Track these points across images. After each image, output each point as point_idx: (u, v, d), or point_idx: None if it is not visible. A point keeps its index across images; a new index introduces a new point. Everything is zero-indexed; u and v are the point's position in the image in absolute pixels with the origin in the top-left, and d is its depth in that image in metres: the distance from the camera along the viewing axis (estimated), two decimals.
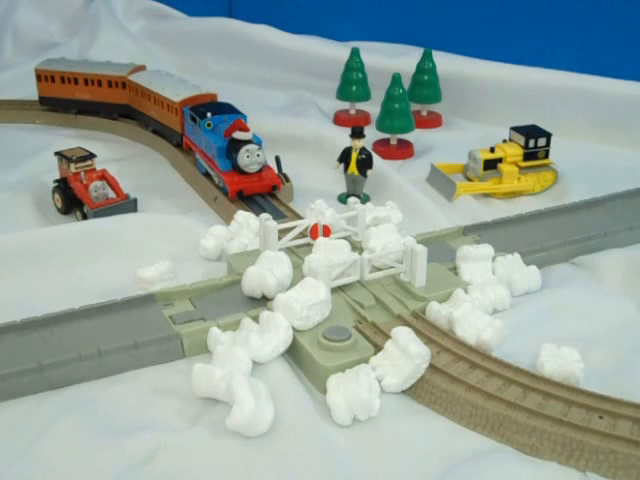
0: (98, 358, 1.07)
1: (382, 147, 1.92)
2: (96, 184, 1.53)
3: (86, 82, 2.03)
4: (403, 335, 1.05)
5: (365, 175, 1.63)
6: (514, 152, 1.70)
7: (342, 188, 1.69)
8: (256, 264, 1.22)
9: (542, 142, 1.71)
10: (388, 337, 1.08)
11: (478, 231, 1.45)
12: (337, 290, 1.21)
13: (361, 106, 2.16)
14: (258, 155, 1.55)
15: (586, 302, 1.26)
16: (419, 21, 2.48)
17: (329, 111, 2.18)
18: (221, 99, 1.84)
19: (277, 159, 1.63)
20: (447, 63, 2.16)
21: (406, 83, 1.99)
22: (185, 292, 1.22)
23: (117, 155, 1.89)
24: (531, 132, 1.71)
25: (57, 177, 1.59)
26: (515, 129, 1.75)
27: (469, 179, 1.74)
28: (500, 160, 1.70)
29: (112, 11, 2.76)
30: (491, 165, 1.70)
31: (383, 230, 1.34)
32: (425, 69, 2.10)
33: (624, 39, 2.17)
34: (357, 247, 1.35)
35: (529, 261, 1.33)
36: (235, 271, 1.28)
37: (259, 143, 1.57)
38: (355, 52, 2.11)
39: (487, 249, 1.31)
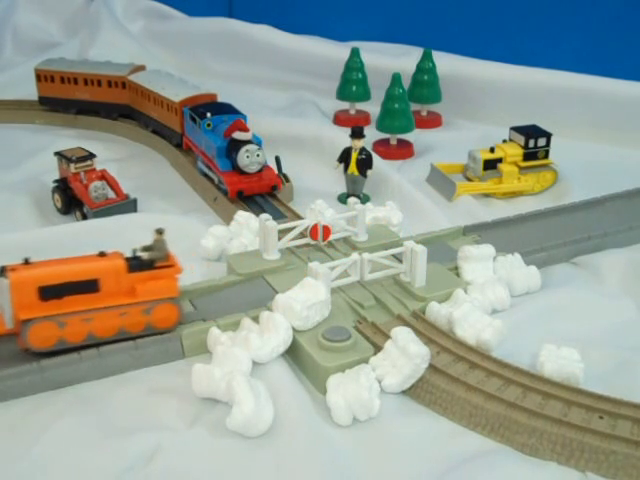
0: (98, 358, 1.07)
1: (382, 147, 1.91)
2: (96, 184, 1.53)
3: (86, 82, 2.03)
4: (403, 335, 1.05)
5: (365, 175, 1.63)
6: (514, 152, 1.70)
7: (342, 188, 1.69)
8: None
9: (542, 142, 1.71)
10: (388, 337, 1.08)
11: (478, 231, 1.45)
12: (337, 290, 1.21)
13: (361, 106, 2.16)
14: (258, 155, 1.55)
15: (586, 302, 1.26)
16: (419, 21, 2.48)
17: (329, 111, 2.18)
18: (221, 99, 1.84)
19: (277, 159, 1.63)
20: (447, 63, 2.16)
21: (406, 83, 1.99)
22: (185, 292, 1.22)
23: (117, 155, 1.88)
24: (531, 132, 1.71)
25: (57, 177, 1.59)
26: (515, 129, 1.75)
27: (469, 179, 1.74)
28: (500, 160, 1.70)
29: (112, 11, 2.75)
30: (491, 165, 1.69)
31: None
32: (425, 69, 2.10)
33: (624, 39, 2.17)
34: (357, 247, 1.35)
35: (529, 261, 1.33)
36: (235, 271, 1.28)
37: (259, 143, 1.57)
38: (355, 52, 2.11)
39: (488, 249, 1.31)
